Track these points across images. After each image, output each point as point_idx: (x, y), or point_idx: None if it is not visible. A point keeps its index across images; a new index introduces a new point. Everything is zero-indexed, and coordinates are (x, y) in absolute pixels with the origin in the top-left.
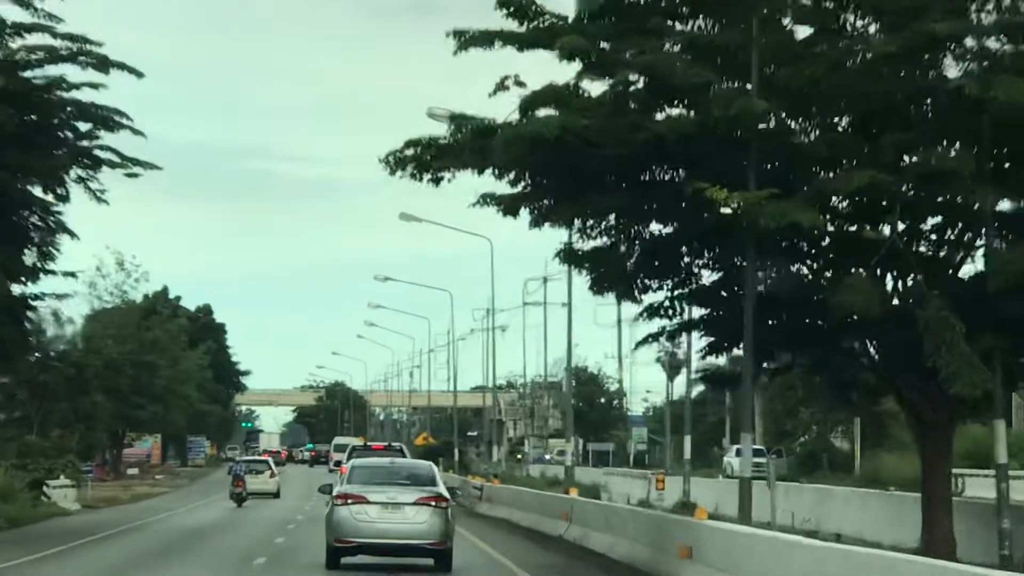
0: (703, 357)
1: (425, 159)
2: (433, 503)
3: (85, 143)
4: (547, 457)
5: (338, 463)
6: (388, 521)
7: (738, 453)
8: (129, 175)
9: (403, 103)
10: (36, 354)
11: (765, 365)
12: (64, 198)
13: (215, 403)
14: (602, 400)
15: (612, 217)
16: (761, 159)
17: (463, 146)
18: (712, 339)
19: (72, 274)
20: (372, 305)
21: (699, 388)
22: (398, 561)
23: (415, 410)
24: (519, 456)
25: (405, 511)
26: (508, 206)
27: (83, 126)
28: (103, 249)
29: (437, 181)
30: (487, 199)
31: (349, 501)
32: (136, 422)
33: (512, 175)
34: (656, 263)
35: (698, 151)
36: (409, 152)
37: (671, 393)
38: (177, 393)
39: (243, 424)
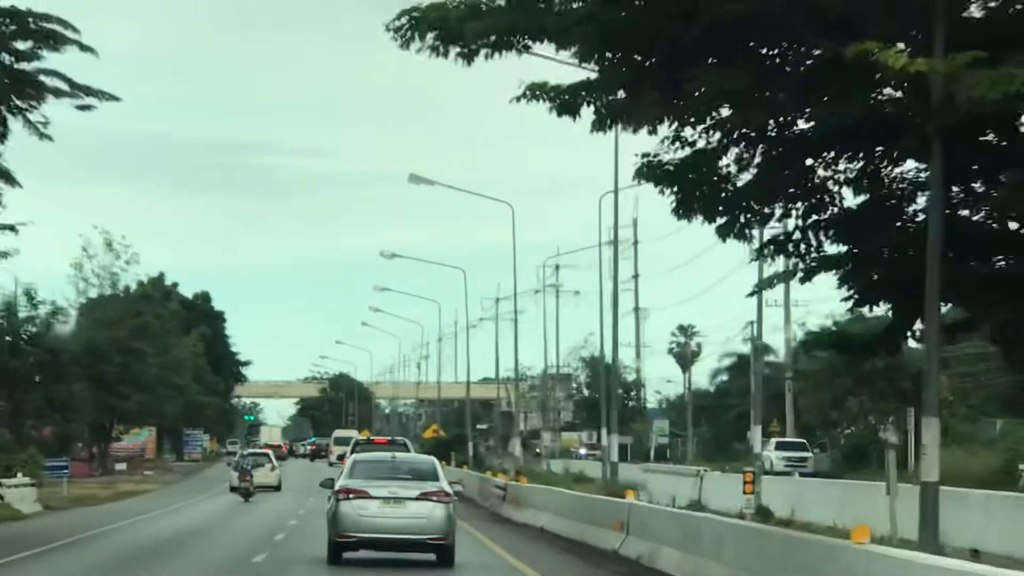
0: (851, 310)
1: (452, 23)
2: (435, 498)
3: (25, 66)
4: (583, 453)
5: (341, 456)
6: (390, 516)
7: (777, 447)
8: (81, 108)
9: (404, 97)
10: (7, 337)
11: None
12: (1, 135)
13: (213, 394)
14: (620, 391)
15: (719, 112)
16: (952, 15)
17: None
18: (855, 287)
19: (11, 227)
20: (378, 288)
21: (722, 378)
22: (400, 557)
23: (422, 402)
24: (538, 451)
25: (407, 506)
26: (566, 100)
27: (22, 45)
28: (91, 229)
29: (468, 57)
30: (537, 92)
31: (351, 496)
32: (122, 413)
33: (576, 47)
34: (776, 180)
35: (855, 6)
36: (433, 15)
37: (689, 384)
38: (168, 383)
39: (245, 417)
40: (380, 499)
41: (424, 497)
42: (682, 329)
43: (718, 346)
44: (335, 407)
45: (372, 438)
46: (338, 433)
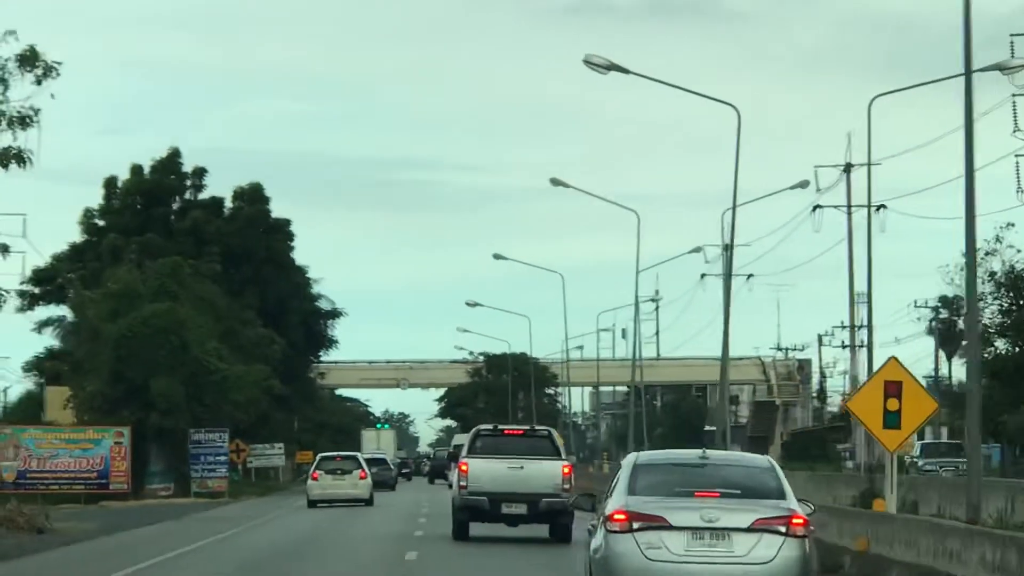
0: None
1: None
2: (782, 528)
3: None
4: None
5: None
6: (705, 559)
7: None
8: None
9: (569, 106)
10: None
11: None
12: None
13: (251, 360)
14: None
15: None
16: None
17: None
18: None
19: None
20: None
21: None
22: None
23: (630, 391)
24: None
25: (733, 541)
26: None
27: None
28: None
29: None
30: None
31: (636, 526)
32: None
33: None
34: None
35: None
36: None
37: None
38: None
39: (379, 426)
40: (687, 530)
41: (763, 526)
42: (946, 303)
43: None
44: (496, 400)
45: (503, 428)
46: (459, 439)
